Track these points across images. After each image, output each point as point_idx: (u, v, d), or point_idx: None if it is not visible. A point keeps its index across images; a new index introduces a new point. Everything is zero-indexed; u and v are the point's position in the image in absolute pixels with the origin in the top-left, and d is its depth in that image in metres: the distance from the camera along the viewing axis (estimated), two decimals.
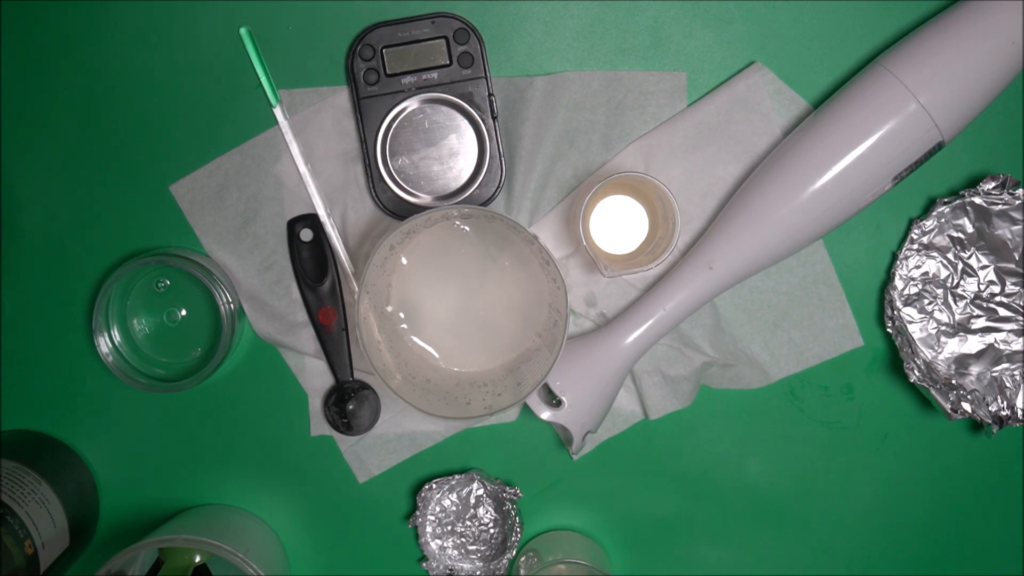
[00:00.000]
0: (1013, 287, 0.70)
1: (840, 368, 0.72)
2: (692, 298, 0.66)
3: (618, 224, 0.69)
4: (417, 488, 0.73)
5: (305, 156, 0.69)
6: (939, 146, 0.64)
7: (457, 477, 0.72)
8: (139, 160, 0.70)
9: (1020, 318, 0.70)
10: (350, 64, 0.68)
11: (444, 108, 0.68)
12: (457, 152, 0.68)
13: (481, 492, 0.73)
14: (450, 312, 0.69)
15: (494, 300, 0.69)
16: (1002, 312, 0.70)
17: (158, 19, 0.69)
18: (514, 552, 0.72)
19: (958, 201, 0.69)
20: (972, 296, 0.70)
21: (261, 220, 0.70)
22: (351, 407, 0.71)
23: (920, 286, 0.70)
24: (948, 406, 0.68)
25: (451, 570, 0.73)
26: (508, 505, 0.72)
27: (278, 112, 0.69)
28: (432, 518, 0.73)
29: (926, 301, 0.70)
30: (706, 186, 0.69)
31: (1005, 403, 0.69)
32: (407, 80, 0.67)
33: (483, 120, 0.68)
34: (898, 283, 0.70)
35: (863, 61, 0.69)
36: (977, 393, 0.69)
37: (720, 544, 0.74)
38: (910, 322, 0.70)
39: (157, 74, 0.69)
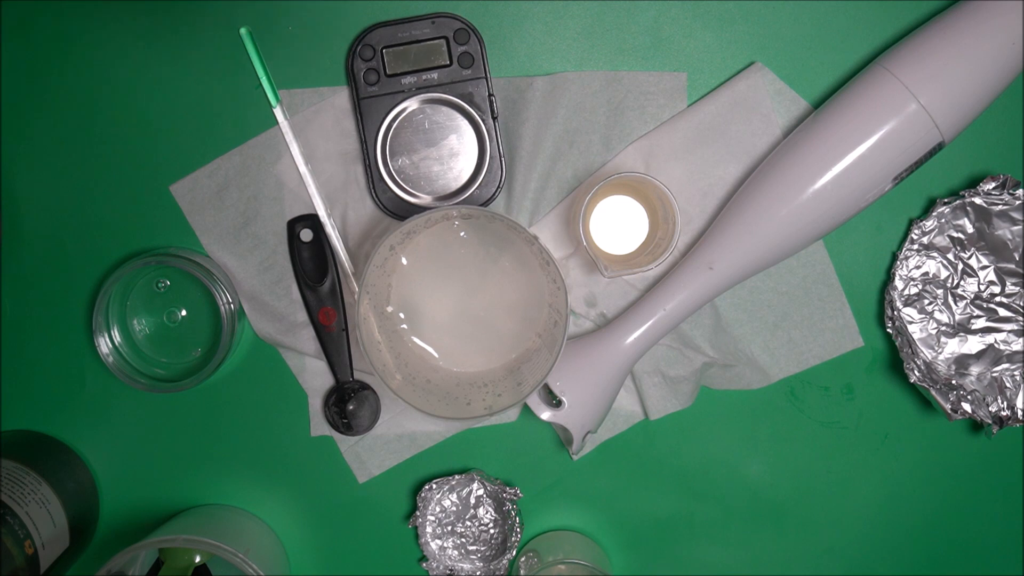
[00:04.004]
0: (1013, 287, 0.70)
1: (840, 368, 0.72)
2: (692, 298, 0.66)
3: (618, 224, 0.69)
4: (417, 488, 0.73)
5: (305, 156, 0.69)
6: (939, 146, 0.64)
7: (457, 477, 0.72)
8: (139, 160, 0.70)
9: (1020, 318, 0.70)
10: (350, 64, 0.68)
11: (444, 108, 0.68)
12: (457, 152, 0.68)
13: (481, 492, 0.73)
14: (450, 312, 0.69)
15: (494, 300, 0.69)
16: (1002, 312, 0.70)
17: (158, 19, 0.69)
18: (514, 552, 0.72)
19: (958, 201, 0.69)
20: (972, 296, 0.70)
21: (261, 220, 0.70)
22: (351, 407, 0.71)
23: (920, 286, 0.70)
24: (948, 406, 0.68)
25: (451, 570, 0.73)
26: (508, 505, 0.72)
27: (278, 112, 0.69)
28: (432, 518, 0.73)
29: (926, 301, 0.70)
30: (706, 186, 0.69)
31: (1005, 403, 0.69)
32: (407, 80, 0.67)
33: (483, 120, 0.68)
34: (898, 283, 0.70)
35: (863, 61, 0.69)
36: (977, 393, 0.69)
37: (720, 544, 0.74)
38: (910, 322, 0.70)
39: (157, 74, 0.69)
